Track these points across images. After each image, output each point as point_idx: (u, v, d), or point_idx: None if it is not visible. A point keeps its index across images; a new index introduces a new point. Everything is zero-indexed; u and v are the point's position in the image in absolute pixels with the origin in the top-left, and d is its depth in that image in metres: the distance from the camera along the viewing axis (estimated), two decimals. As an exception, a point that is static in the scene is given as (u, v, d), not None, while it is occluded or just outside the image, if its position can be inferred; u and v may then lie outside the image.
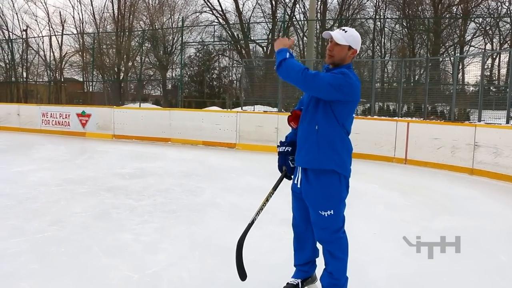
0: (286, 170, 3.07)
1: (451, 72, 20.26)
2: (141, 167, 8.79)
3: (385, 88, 19.95)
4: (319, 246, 3.07)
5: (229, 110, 16.02)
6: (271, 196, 3.08)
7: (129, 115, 14.84)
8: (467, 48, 23.64)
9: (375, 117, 13.22)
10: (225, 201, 6.00)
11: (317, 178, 2.80)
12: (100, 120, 15.10)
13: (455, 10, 25.04)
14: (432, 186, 7.94)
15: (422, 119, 13.24)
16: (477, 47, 23.35)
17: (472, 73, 16.66)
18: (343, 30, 2.80)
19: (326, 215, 2.80)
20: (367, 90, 16.82)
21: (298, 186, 2.92)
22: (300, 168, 2.91)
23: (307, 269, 3.13)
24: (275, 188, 3.09)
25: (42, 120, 16.31)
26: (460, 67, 18.31)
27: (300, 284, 3.10)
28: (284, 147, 3.06)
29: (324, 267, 2.99)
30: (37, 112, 16.51)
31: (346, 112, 2.80)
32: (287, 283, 3.10)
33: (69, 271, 3.51)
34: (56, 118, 16.02)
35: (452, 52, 23.75)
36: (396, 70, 20.76)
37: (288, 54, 2.73)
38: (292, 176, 3.05)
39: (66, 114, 15.83)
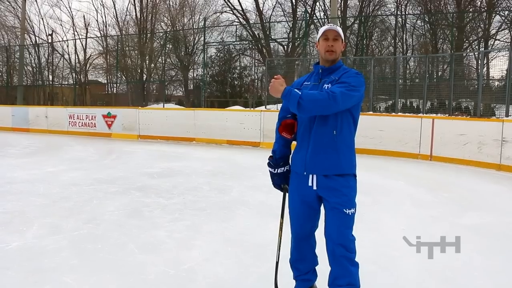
0: (287, 186, 2.94)
1: (475, 67, 19.98)
2: (169, 166, 8.95)
3: (407, 84, 19.74)
4: (317, 252, 3.00)
5: (253, 109, 16.12)
6: (282, 225, 3.01)
7: (154, 115, 15.09)
8: (492, 42, 23.18)
9: (399, 114, 13.14)
10: (254, 199, 6.09)
11: (339, 179, 2.70)
12: (126, 121, 15.37)
13: (479, 3, 24.59)
14: (459, 182, 7.89)
15: (446, 115, 13.11)
16: (502, 41, 22.88)
17: (498, 67, 16.36)
18: (333, 25, 2.77)
19: (350, 214, 2.70)
20: (389, 87, 16.75)
21: (314, 188, 2.73)
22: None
23: (309, 277, 3.00)
24: (283, 215, 3.00)
25: (69, 122, 16.69)
26: (485, 61, 18.01)
27: None
28: (282, 168, 2.92)
29: (333, 280, 2.77)
30: (64, 114, 16.90)
31: (359, 111, 2.78)
32: None
33: (107, 266, 3.64)
34: (83, 119, 16.38)
35: (476, 47, 23.35)
36: (419, 66, 20.55)
37: (297, 90, 2.57)
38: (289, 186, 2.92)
39: (92, 116, 16.16)
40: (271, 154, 2.98)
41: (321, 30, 2.76)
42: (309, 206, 2.81)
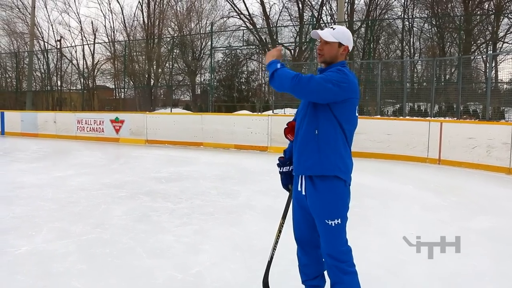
0: (292, 188, 2.93)
1: (483, 70, 19.87)
2: (176, 171, 8.96)
3: (415, 88, 19.68)
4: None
5: (260, 113, 16.12)
6: (282, 226, 3.00)
7: (162, 120, 15.14)
8: (501, 45, 23.05)
9: (407, 117, 13.09)
10: (261, 204, 6.08)
11: (322, 184, 2.64)
12: (133, 125, 15.43)
13: (486, 6, 24.48)
14: (468, 186, 7.83)
15: (455, 118, 13.05)
16: (511, 44, 22.77)
17: (506, 70, 16.26)
18: (332, 28, 2.72)
19: (333, 225, 2.63)
20: (396, 91, 16.71)
21: (303, 193, 2.73)
22: (303, 175, 2.73)
23: (317, 283, 2.96)
24: (284, 216, 3.00)
25: (77, 127, 16.78)
26: (494, 64, 17.92)
27: None
28: (287, 167, 2.94)
29: (332, 285, 2.76)
30: (73, 119, 17.00)
31: (347, 112, 2.64)
32: None
33: (115, 271, 3.65)
34: (91, 124, 16.46)
35: (485, 50, 23.24)
36: (426, 70, 20.48)
37: (279, 64, 2.64)
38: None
39: (100, 121, 16.24)
40: (282, 155, 3.01)
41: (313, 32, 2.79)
42: (305, 211, 2.79)
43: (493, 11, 23.16)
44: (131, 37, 28.35)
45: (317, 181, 2.65)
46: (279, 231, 3.01)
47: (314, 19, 24.56)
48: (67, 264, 3.76)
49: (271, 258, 3.00)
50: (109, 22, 33.39)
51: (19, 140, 16.61)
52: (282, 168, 2.96)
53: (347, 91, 2.57)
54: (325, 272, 2.94)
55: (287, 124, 2.91)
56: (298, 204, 2.84)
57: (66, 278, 3.47)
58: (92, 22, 35.91)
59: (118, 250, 4.13)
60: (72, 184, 7.36)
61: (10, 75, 28.95)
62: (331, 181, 2.64)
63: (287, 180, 2.97)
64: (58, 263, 3.76)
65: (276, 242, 3.01)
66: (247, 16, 29.52)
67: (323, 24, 27.09)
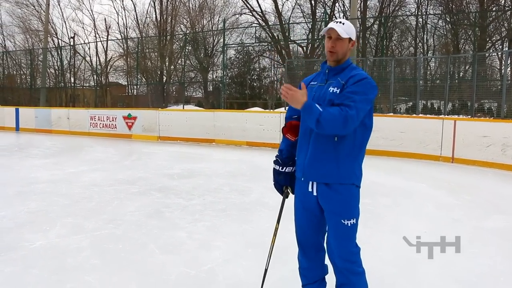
0: (288, 190, 2.83)
1: (499, 68, 19.63)
2: (189, 167, 8.99)
3: (428, 85, 19.49)
4: (327, 261, 2.85)
5: (272, 110, 16.09)
6: (277, 230, 2.91)
7: (174, 117, 15.19)
8: (517, 42, 22.73)
9: (420, 115, 12.97)
10: (273, 201, 6.03)
11: (337, 187, 2.56)
12: (146, 122, 15.51)
13: (502, 1, 24.13)
14: (482, 185, 7.76)
15: (469, 116, 12.91)
16: (527, 40, 22.42)
17: (522, 67, 16.03)
18: (341, 23, 2.56)
19: (349, 225, 2.56)
20: (409, 88, 16.57)
21: (314, 194, 2.62)
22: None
23: (317, 287, 2.88)
24: (279, 220, 2.91)
25: (90, 123, 16.91)
26: (509, 62, 17.67)
27: None
28: (290, 168, 2.78)
29: (339, 287, 2.72)
30: (86, 115, 17.14)
31: (370, 111, 2.56)
32: None
33: (128, 266, 3.68)
34: (103, 121, 16.58)
35: (500, 47, 22.94)
36: (440, 67, 20.28)
37: (316, 106, 2.42)
38: (294, 192, 2.80)
39: (113, 117, 16.35)
40: (277, 154, 2.87)
41: (325, 27, 2.62)
42: (311, 213, 2.69)
43: (510, 7, 22.84)
44: (143, 34, 28.49)
45: (332, 184, 2.57)
46: (274, 235, 2.91)
47: (327, 16, 24.38)
48: (80, 259, 3.80)
49: (267, 265, 2.90)
50: (122, 19, 33.65)
51: (34, 136, 16.80)
52: (284, 168, 2.79)
53: (374, 96, 2.53)
54: (326, 276, 2.90)
55: (285, 124, 2.78)
56: (303, 206, 2.73)
57: (79, 272, 3.51)
58: (105, 19, 36.21)
59: (130, 246, 4.16)
60: (85, 180, 7.43)
61: (25, 72, 29.27)
62: (345, 186, 2.57)
63: (286, 181, 2.81)
64: (71, 258, 3.80)
65: (272, 248, 2.90)
66: (260, 13, 29.47)
67: (336, 21, 26.94)
